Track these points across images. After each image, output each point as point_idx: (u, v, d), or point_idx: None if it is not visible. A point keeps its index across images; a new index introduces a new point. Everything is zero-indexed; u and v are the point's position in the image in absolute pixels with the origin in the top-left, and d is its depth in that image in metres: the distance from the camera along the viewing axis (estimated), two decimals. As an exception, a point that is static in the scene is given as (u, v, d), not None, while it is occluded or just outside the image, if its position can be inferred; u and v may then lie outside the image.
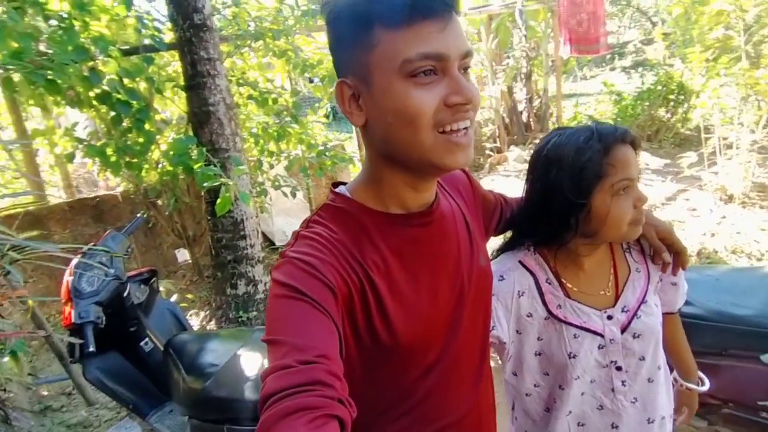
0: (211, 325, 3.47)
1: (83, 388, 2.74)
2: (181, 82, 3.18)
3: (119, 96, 2.96)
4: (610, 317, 0.94)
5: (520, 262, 0.98)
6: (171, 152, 2.76)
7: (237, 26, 3.86)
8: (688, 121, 6.21)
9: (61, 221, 4.29)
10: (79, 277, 1.76)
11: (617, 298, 0.96)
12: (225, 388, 1.55)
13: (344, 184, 0.73)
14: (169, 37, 3.21)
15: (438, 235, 0.73)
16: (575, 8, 5.19)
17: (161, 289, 2.65)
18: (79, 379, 2.65)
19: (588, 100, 9.72)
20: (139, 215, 2.25)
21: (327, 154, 3.85)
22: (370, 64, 0.59)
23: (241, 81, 3.88)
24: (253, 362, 1.61)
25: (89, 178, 6.03)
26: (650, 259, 1.00)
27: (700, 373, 1.13)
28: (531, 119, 7.29)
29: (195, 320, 3.72)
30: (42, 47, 2.71)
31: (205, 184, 2.52)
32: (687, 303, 1.51)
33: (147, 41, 3.11)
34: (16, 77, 2.56)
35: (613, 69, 13.99)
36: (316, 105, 4.93)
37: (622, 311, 0.95)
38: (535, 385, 0.99)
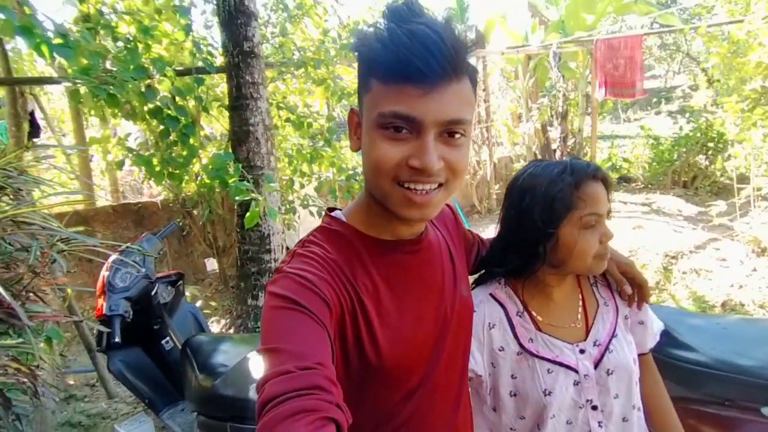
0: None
1: (106, 381, 2.89)
2: (226, 103, 3.42)
3: (170, 112, 3.24)
4: (582, 351, 0.94)
5: (491, 294, 0.99)
6: (210, 166, 2.94)
7: (282, 54, 4.15)
8: (725, 170, 6.05)
9: (105, 223, 4.61)
10: (114, 273, 1.91)
11: (588, 331, 0.97)
12: (233, 387, 1.62)
13: (340, 209, 0.78)
14: (219, 60, 3.49)
15: (425, 263, 0.76)
16: (612, 52, 5.23)
17: (187, 294, 2.79)
18: (103, 372, 2.81)
19: (625, 142, 9.57)
20: (173, 221, 2.40)
21: (356, 178, 3.99)
22: (364, 104, 0.66)
23: (281, 104, 4.11)
24: (261, 365, 1.68)
25: (135, 185, 6.45)
26: (617, 294, 1.01)
27: None
28: (564, 158, 7.25)
29: (216, 327, 3.85)
30: (107, 65, 3.01)
31: (237, 198, 2.67)
32: (691, 349, 1.51)
33: (200, 64, 3.40)
34: (83, 90, 2.84)
35: (658, 113, 13.74)
36: (350, 131, 5.13)
37: (594, 345, 0.95)
38: (511, 429, 0.98)
